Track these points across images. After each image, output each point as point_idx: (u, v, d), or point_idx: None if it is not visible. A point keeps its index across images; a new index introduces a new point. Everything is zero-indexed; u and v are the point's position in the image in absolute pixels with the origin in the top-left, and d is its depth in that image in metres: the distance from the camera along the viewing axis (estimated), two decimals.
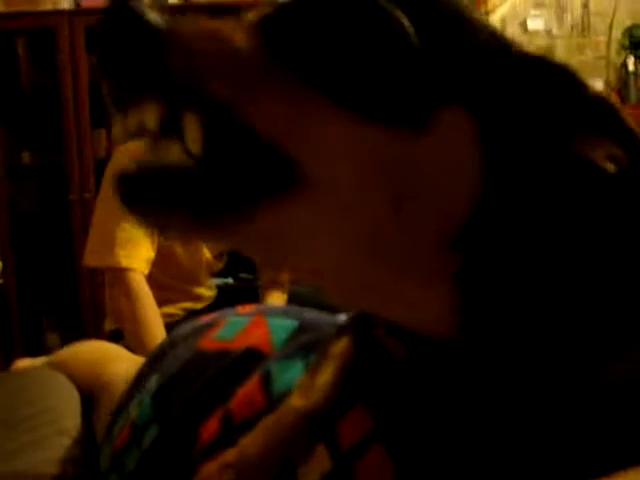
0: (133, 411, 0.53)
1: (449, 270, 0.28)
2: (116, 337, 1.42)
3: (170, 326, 1.28)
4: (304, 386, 0.39)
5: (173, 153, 0.27)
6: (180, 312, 1.49)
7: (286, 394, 0.40)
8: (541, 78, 0.29)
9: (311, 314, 0.55)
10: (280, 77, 0.27)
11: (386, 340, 0.36)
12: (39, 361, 1.17)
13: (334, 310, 1.45)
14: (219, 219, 0.27)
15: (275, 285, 1.58)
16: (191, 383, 0.49)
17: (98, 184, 2.34)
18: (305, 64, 0.27)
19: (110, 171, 1.35)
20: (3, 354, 2.36)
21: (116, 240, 1.24)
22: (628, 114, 0.29)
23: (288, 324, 0.51)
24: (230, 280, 2.13)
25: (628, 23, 2.88)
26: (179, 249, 1.41)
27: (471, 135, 0.27)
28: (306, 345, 0.46)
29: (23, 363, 1.23)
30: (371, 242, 0.28)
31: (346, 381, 0.37)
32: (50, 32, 2.35)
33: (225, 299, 1.61)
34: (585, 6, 2.83)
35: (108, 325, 1.48)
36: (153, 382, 0.53)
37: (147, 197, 0.27)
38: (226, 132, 0.26)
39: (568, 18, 2.82)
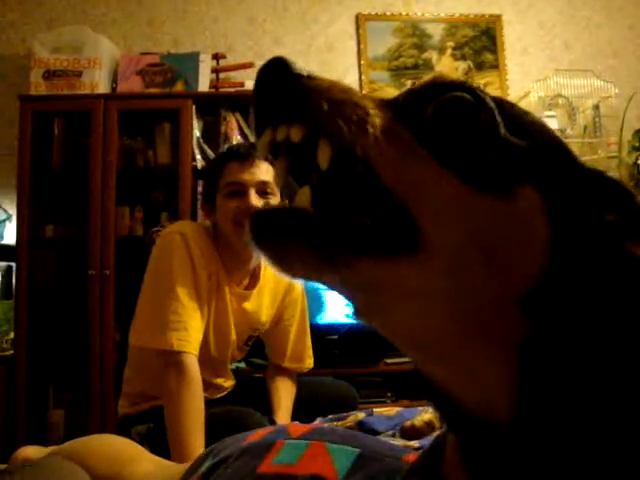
0: None
1: (514, 336, 0.32)
2: (127, 423, 1.39)
3: None
4: None
5: (301, 197, 0.33)
6: None
7: None
8: (600, 186, 0.35)
9: (369, 441, 0.55)
10: (405, 141, 0.33)
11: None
12: (45, 450, 1.14)
13: (340, 399, 1.40)
14: (336, 259, 0.31)
15: (283, 373, 1.56)
16: None
17: (118, 261, 2.39)
18: (426, 140, 0.33)
19: (157, 254, 1.37)
20: (4, 426, 2.31)
21: (169, 323, 1.25)
22: None
23: (349, 452, 0.52)
24: (243, 365, 2.11)
25: (637, 125, 2.99)
26: (212, 339, 1.41)
27: (542, 212, 0.33)
28: (372, 478, 0.46)
29: (28, 451, 1.19)
30: (465, 299, 0.31)
31: None
32: (86, 114, 2.47)
33: (240, 390, 1.58)
34: (596, 108, 2.94)
35: (122, 408, 1.45)
36: None
37: (277, 232, 0.33)
38: (349, 165, 0.32)
39: (580, 119, 2.92)
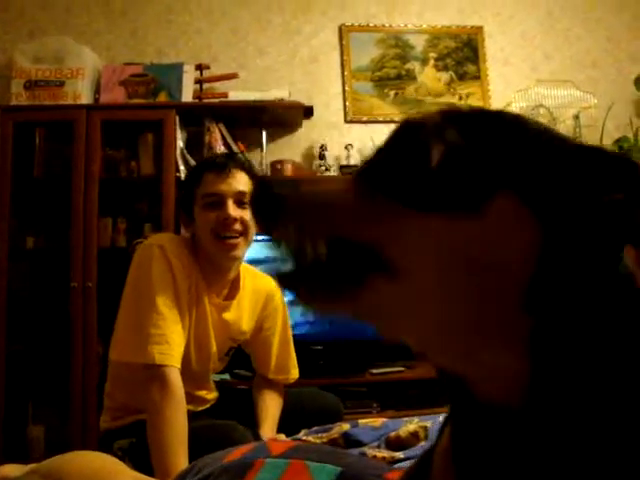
0: None
1: (522, 332, 0.33)
2: (109, 438, 1.37)
3: None
4: None
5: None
6: None
7: None
8: (597, 167, 0.34)
9: (350, 459, 0.55)
10: (375, 202, 0.36)
11: None
12: (25, 469, 1.11)
13: (326, 411, 1.39)
14: (341, 290, 0.37)
15: (269, 385, 1.55)
16: None
17: (100, 273, 2.36)
18: (393, 191, 0.36)
19: (137, 266, 1.35)
20: None
21: (150, 336, 1.24)
22: None
23: (330, 470, 0.52)
24: (227, 376, 2.09)
25: (616, 135, 3.04)
26: (193, 352, 1.39)
27: (522, 216, 0.33)
28: None
29: (6, 469, 1.17)
30: (455, 310, 0.34)
31: None
32: (68, 124, 2.44)
33: (224, 402, 1.57)
34: (576, 118, 2.99)
35: (104, 423, 1.43)
36: None
37: (296, 276, 0.38)
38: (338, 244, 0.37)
39: (561, 129, 2.97)
